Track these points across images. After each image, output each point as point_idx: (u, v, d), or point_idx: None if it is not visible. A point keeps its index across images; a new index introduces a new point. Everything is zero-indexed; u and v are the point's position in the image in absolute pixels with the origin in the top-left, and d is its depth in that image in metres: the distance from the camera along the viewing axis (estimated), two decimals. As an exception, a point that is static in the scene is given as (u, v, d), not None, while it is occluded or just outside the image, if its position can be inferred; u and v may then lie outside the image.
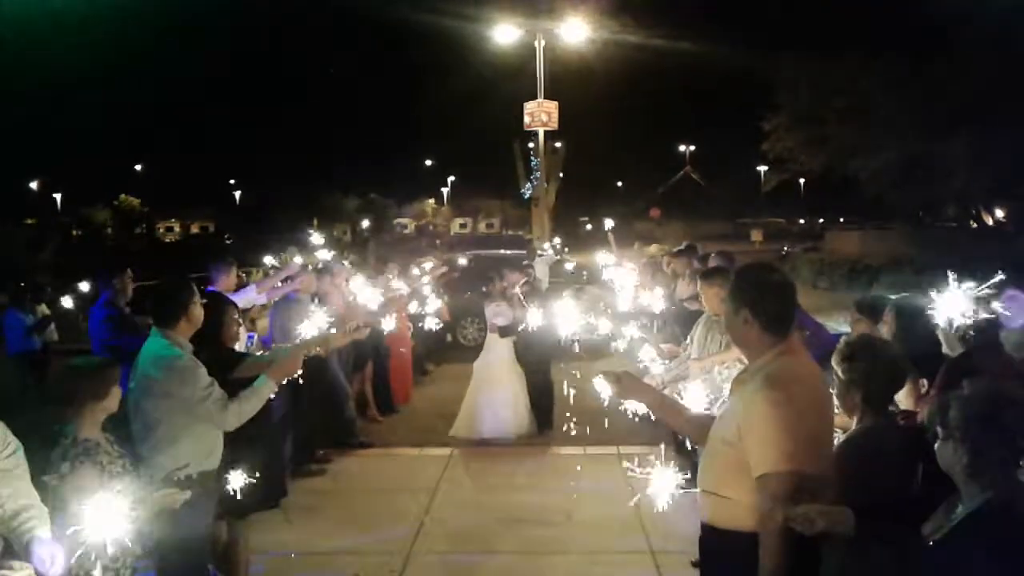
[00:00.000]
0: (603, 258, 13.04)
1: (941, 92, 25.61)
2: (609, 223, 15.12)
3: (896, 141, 28.25)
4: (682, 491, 3.33)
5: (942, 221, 37.99)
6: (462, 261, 16.01)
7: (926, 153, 27.50)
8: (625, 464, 7.87)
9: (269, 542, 5.91)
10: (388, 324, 8.50)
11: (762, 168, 50.55)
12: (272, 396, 4.56)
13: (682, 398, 4.44)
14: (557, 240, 16.84)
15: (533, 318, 6.09)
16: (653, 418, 3.71)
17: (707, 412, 3.75)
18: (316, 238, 7.65)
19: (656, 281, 9.39)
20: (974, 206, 34.18)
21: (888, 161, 29.02)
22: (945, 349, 4.38)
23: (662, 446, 3.76)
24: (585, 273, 16.22)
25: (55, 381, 4.02)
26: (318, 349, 5.47)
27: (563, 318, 6.12)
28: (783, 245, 41.94)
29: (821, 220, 60.32)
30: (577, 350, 4.98)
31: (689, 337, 6.56)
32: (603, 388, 3.55)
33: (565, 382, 8.41)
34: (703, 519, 3.15)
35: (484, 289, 9.74)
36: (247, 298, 7.57)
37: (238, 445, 4.63)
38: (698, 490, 3.14)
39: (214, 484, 4.37)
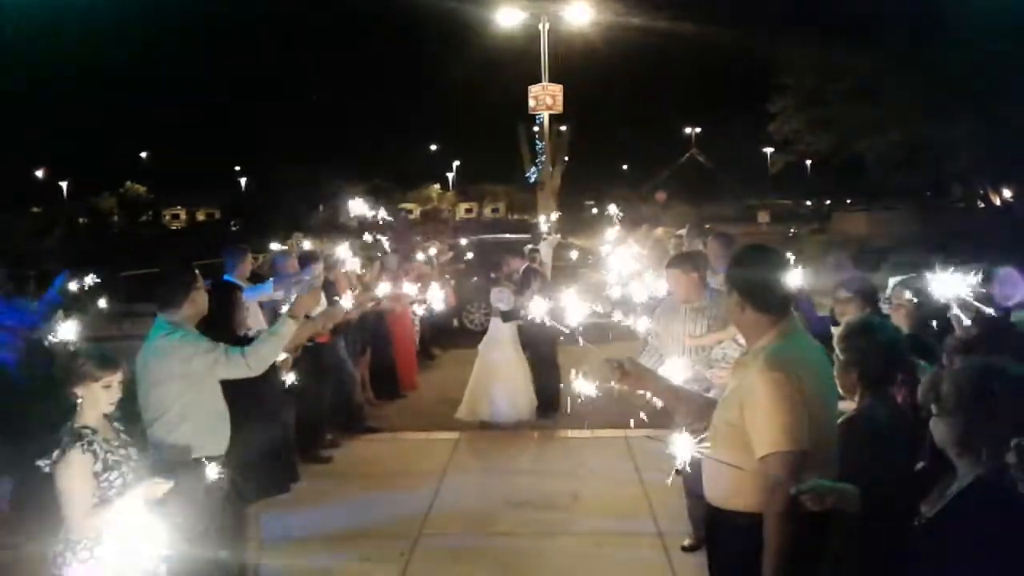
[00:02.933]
0: (608, 236, 13.00)
1: (944, 72, 25.44)
2: (613, 208, 15.05)
3: (901, 122, 28.12)
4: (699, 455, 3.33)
5: (949, 201, 37.84)
6: (464, 244, 16.01)
7: (931, 133, 27.37)
8: (646, 436, 7.87)
9: (279, 526, 5.95)
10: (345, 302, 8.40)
11: (768, 150, 50.36)
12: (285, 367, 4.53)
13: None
14: (550, 219, 16.64)
15: (536, 306, 6.07)
16: (659, 405, 3.72)
17: (712, 396, 3.76)
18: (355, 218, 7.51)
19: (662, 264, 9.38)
20: (981, 186, 34.03)
21: (894, 142, 28.91)
22: (958, 332, 4.37)
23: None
24: (590, 257, 16.16)
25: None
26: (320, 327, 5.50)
27: (568, 309, 6.08)
28: (790, 227, 41.82)
29: (828, 201, 60.05)
30: (581, 342, 4.93)
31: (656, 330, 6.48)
32: (586, 387, 3.64)
33: (572, 367, 8.40)
34: (708, 500, 3.17)
35: (492, 275, 9.75)
36: (264, 294, 7.56)
37: (249, 430, 4.65)
38: (703, 469, 3.16)
39: (223, 468, 4.39)
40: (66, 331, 6.91)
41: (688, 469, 3.21)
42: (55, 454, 3.59)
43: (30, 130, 57.90)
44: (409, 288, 9.88)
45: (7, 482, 6.36)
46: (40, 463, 3.57)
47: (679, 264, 6.01)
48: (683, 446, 3.20)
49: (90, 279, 10.15)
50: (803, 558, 2.81)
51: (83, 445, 3.59)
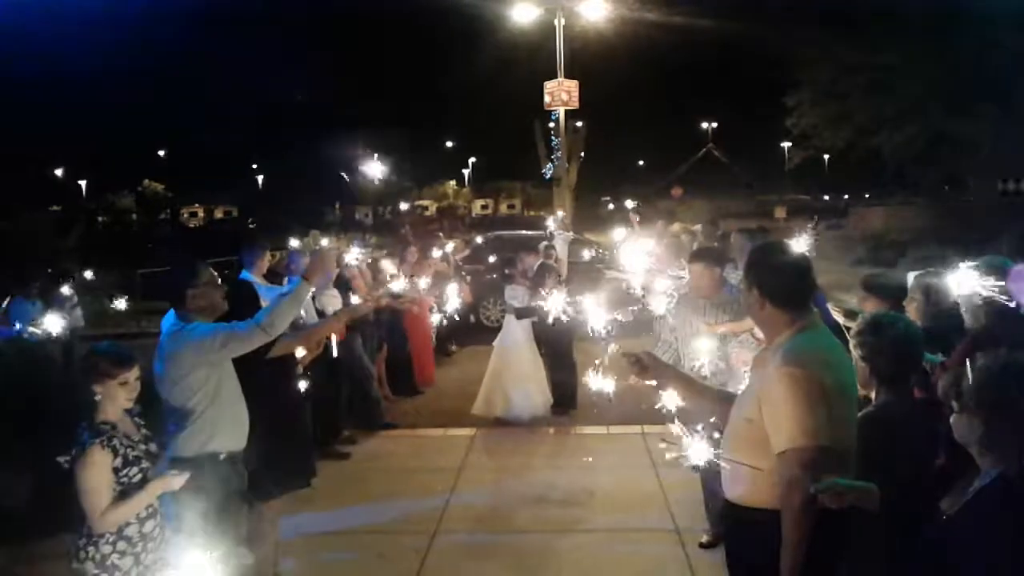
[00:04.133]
0: (619, 234, 12.94)
1: (962, 65, 25.24)
2: (630, 203, 14.97)
3: (918, 116, 27.93)
4: (715, 460, 3.33)
5: (967, 195, 37.55)
6: (481, 241, 16.04)
7: (949, 127, 27.17)
8: (661, 445, 7.90)
9: (296, 522, 5.98)
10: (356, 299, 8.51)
11: (786, 145, 50.09)
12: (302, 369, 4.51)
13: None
14: (558, 218, 16.56)
15: (555, 302, 6.05)
16: (676, 400, 3.71)
17: (731, 391, 3.74)
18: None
19: (679, 260, 9.35)
20: (1000, 180, 33.75)
21: (911, 136, 28.70)
22: (968, 323, 4.35)
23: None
24: (606, 254, 16.12)
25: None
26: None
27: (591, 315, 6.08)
28: (807, 222, 41.61)
29: (846, 196, 59.65)
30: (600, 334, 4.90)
31: (672, 323, 6.45)
32: (604, 384, 3.66)
33: (589, 363, 8.40)
34: (726, 495, 3.16)
35: (507, 272, 9.77)
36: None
37: (268, 426, 4.67)
38: (722, 466, 3.15)
39: (241, 465, 4.41)
40: (50, 324, 7.18)
41: (705, 465, 3.20)
42: (75, 450, 3.63)
43: (48, 129, 58.39)
44: (424, 283, 9.90)
45: (26, 477, 6.45)
46: (60, 459, 3.62)
47: (704, 258, 5.99)
48: (698, 449, 3.20)
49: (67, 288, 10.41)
50: (821, 555, 2.80)
51: (102, 441, 3.64)
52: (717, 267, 5.89)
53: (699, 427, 3.20)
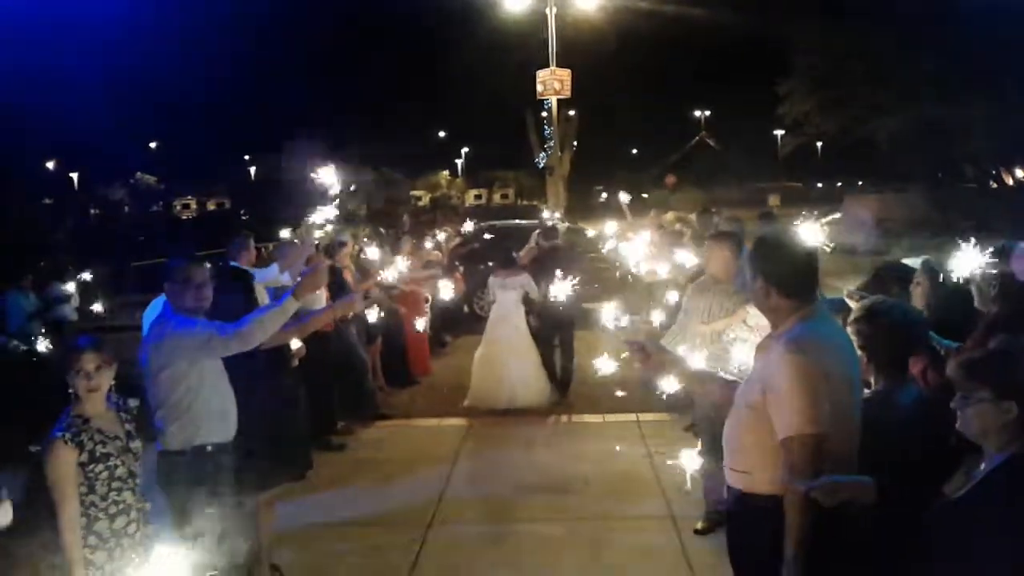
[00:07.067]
0: (611, 227, 12.99)
1: (956, 53, 25.23)
2: (624, 197, 14.94)
3: (912, 103, 27.92)
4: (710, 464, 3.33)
5: (962, 182, 37.61)
6: (475, 231, 16.07)
7: (943, 114, 27.17)
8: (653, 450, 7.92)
9: (291, 514, 5.97)
10: (371, 315, 8.83)
11: (779, 132, 50.06)
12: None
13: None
14: (556, 214, 16.64)
15: (559, 287, 6.04)
16: (679, 388, 3.70)
17: (733, 379, 3.73)
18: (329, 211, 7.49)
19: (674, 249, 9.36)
20: (994, 167, 33.80)
21: (905, 123, 28.71)
22: (977, 304, 4.34)
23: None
24: (601, 242, 16.12)
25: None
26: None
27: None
28: (801, 209, 41.64)
29: (839, 184, 59.60)
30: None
31: (685, 307, 6.47)
32: (604, 365, 3.65)
33: (586, 351, 8.41)
34: (728, 482, 3.17)
35: (511, 255, 9.78)
36: (270, 277, 7.53)
37: (263, 418, 4.66)
38: (724, 455, 3.15)
39: (230, 457, 4.39)
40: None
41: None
42: (43, 444, 3.63)
43: (40, 121, 58.05)
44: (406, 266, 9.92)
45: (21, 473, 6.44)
46: (31, 448, 3.62)
47: (730, 240, 6.02)
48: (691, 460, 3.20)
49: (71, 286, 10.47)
50: (825, 541, 2.80)
51: (65, 436, 3.60)
52: (738, 251, 5.90)
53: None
